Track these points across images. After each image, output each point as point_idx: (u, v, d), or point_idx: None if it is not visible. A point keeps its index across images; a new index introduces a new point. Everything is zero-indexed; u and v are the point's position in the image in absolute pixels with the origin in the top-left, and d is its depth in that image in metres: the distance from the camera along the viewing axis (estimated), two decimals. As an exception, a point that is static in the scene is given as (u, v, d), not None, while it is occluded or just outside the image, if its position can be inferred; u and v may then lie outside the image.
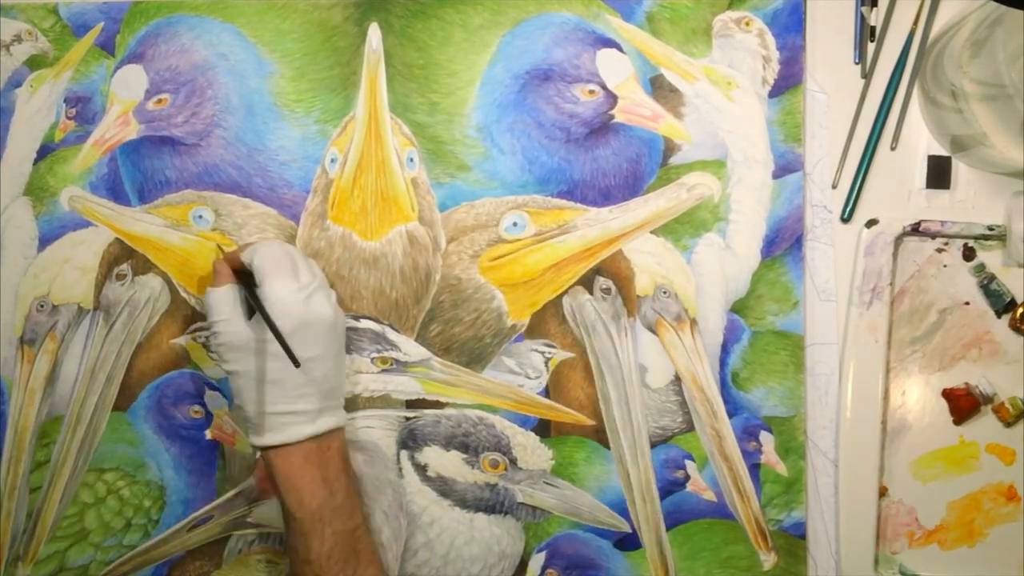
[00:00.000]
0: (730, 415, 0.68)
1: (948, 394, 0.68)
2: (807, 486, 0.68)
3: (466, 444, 0.69)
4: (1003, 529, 0.67)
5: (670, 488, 0.68)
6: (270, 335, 0.59)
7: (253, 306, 0.61)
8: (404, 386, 0.70)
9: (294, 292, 0.60)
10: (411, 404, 0.70)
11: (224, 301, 0.62)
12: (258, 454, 0.63)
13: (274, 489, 0.61)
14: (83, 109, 0.73)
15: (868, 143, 0.70)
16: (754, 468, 0.68)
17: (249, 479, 0.69)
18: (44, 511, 0.70)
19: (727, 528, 0.68)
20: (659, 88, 0.71)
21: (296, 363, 0.58)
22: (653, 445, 0.69)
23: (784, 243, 0.69)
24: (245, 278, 0.62)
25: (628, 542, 0.68)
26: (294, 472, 0.60)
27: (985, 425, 0.68)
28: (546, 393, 0.69)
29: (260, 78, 0.72)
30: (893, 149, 0.70)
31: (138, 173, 0.72)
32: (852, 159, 0.70)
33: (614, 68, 0.71)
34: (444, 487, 0.68)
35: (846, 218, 0.70)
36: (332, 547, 0.59)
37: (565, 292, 0.70)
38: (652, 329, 0.69)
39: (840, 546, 0.67)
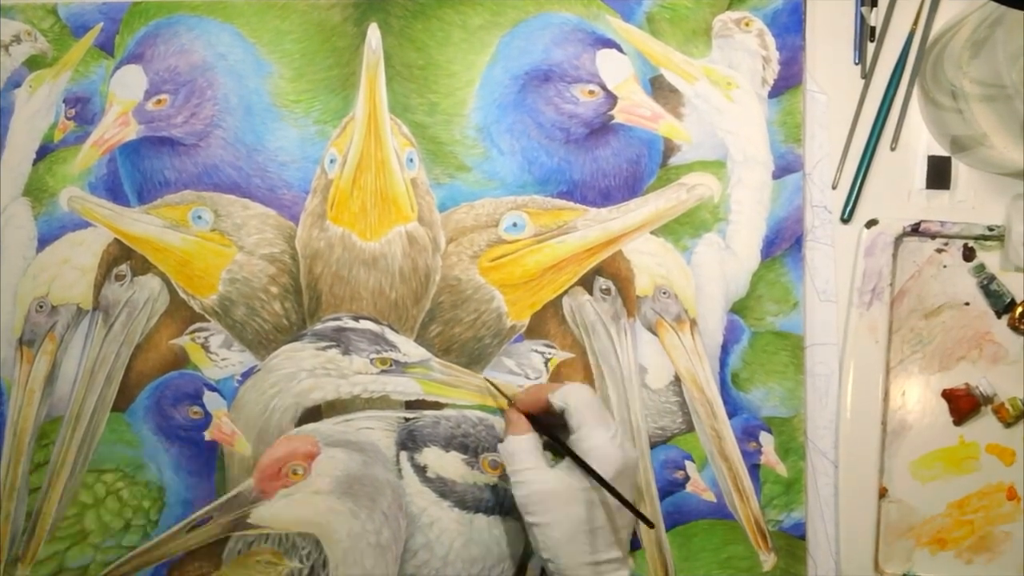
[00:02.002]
0: (730, 416, 0.68)
1: (948, 394, 0.68)
2: (807, 487, 0.68)
3: (466, 445, 0.69)
4: (1003, 529, 0.67)
5: (670, 488, 0.68)
6: (581, 482, 0.58)
7: (566, 455, 0.59)
8: (403, 387, 0.70)
9: (611, 439, 0.59)
10: (410, 405, 0.70)
11: (528, 450, 0.60)
12: None
13: None
14: (82, 109, 0.73)
15: (868, 143, 0.70)
16: (754, 469, 0.68)
17: (248, 480, 0.69)
18: (43, 512, 0.69)
19: (727, 529, 0.68)
20: (659, 88, 0.71)
21: (650, 524, 0.58)
22: (653, 446, 0.69)
23: (784, 244, 0.69)
24: (544, 424, 0.61)
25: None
26: None
27: (985, 426, 0.68)
28: (546, 394, 0.69)
29: (259, 78, 0.72)
30: (893, 149, 0.70)
31: (137, 173, 0.72)
32: (852, 159, 0.70)
33: (614, 68, 0.71)
34: (443, 488, 0.68)
35: (846, 219, 0.69)
36: None
37: (565, 293, 0.70)
38: (652, 330, 0.69)
39: (840, 547, 0.67)
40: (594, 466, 0.58)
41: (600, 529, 0.59)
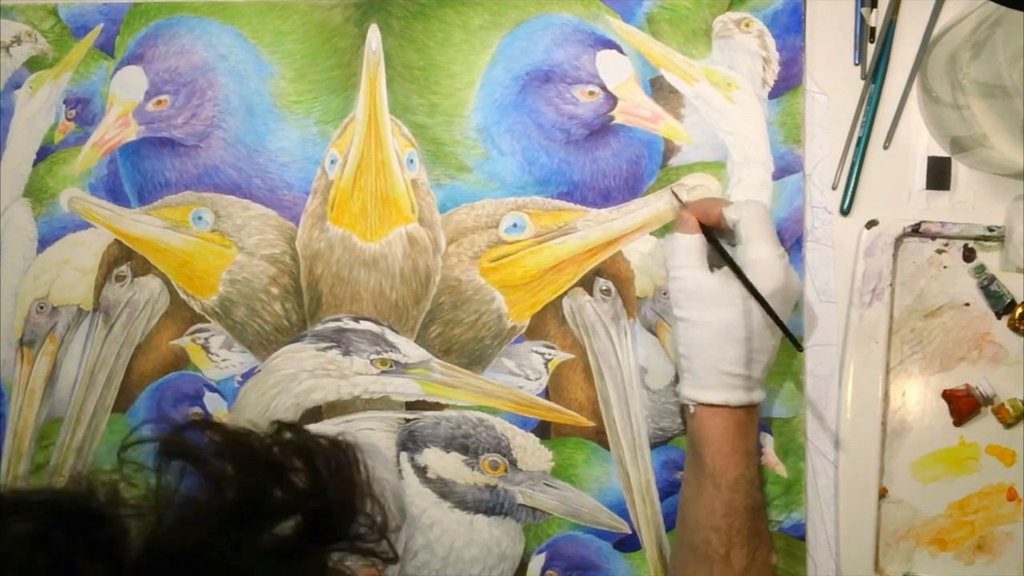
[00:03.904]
0: (730, 416, 0.68)
1: (948, 395, 0.68)
2: (807, 487, 0.68)
3: (466, 446, 0.69)
4: (1003, 530, 0.67)
5: (670, 489, 0.68)
6: (737, 291, 0.59)
7: (727, 265, 0.60)
8: (404, 388, 0.70)
9: (778, 257, 0.60)
10: (411, 406, 0.70)
11: (691, 249, 0.61)
12: (692, 408, 0.61)
13: (697, 446, 0.60)
14: (83, 110, 0.73)
15: (860, 141, 0.69)
16: (754, 469, 0.68)
17: (249, 480, 0.69)
18: (44, 513, 0.69)
19: (727, 529, 0.68)
20: (659, 89, 0.71)
21: (799, 347, 0.58)
22: (653, 446, 0.69)
23: (784, 244, 0.69)
24: (713, 234, 0.62)
25: (628, 543, 0.68)
26: (727, 436, 0.59)
27: (985, 426, 0.68)
28: (546, 394, 0.69)
29: (260, 79, 0.72)
30: (886, 148, 0.70)
31: (138, 174, 0.72)
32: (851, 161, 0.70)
33: (614, 69, 0.71)
34: (444, 489, 0.68)
35: (845, 211, 0.69)
36: (743, 521, 0.59)
37: (565, 293, 0.70)
38: (652, 330, 0.69)
39: (840, 547, 0.67)
40: (754, 278, 0.59)
41: (738, 342, 0.59)
